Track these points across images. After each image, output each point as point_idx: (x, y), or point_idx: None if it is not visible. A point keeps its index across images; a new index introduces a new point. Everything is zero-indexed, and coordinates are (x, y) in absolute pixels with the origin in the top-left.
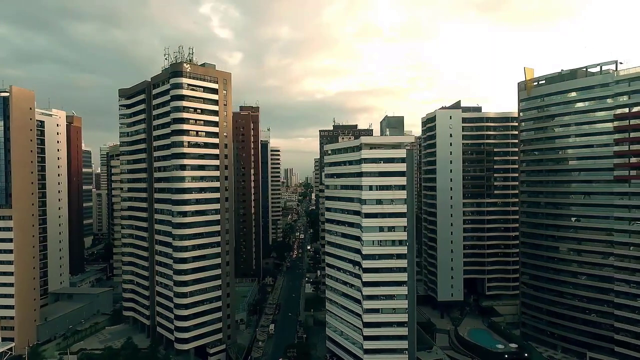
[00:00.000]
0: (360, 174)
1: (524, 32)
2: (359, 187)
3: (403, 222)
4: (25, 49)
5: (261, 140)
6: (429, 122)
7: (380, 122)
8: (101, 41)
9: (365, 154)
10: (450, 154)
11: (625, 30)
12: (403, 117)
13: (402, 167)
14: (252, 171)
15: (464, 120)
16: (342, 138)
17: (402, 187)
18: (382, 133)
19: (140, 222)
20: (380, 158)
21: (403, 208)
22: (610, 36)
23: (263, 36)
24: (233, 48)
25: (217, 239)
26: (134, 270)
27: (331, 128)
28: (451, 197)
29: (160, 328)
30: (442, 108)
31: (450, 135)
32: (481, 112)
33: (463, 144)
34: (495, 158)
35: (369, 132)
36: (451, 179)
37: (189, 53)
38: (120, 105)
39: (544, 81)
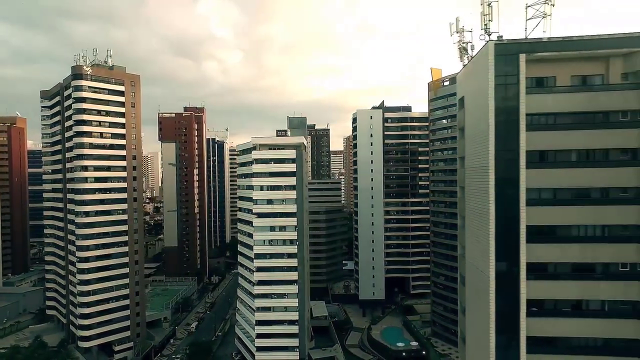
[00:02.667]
0: (252, 175)
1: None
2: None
3: (294, 221)
4: (25, 49)
5: (217, 141)
6: (354, 123)
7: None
8: (100, 41)
9: (256, 154)
10: (371, 153)
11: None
12: (305, 117)
13: (292, 167)
14: (196, 171)
15: (389, 120)
16: None
17: (292, 187)
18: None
19: (59, 222)
20: (271, 159)
21: (293, 208)
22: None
23: (262, 35)
24: (232, 47)
25: (125, 238)
26: (55, 270)
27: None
28: (372, 197)
29: (71, 326)
30: (374, 108)
31: (371, 135)
32: (411, 112)
33: (388, 143)
34: (419, 158)
35: (326, 132)
36: (372, 179)
37: (107, 55)
38: (42, 107)
39: (448, 82)
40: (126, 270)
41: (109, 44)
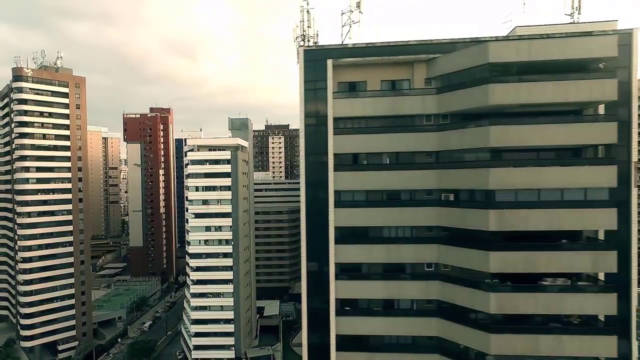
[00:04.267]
0: (188, 175)
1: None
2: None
3: (229, 222)
4: (22, 49)
5: None
6: None
7: None
8: (98, 41)
9: (191, 155)
10: None
11: None
12: (248, 119)
13: (227, 168)
14: (162, 172)
15: None
16: (272, 138)
17: (227, 188)
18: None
19: (9, 222)
20: (206, 160)
21: (229, 208)
22: None
23: (261, 35)
24: (231, 47)
25: (70, 238)
26: (7, 270)
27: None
28: None
29: (18, 325)
30: None
31: None
32: None
33: None
34: None
35: (297, 132)
36: None
37: (57, 57)
38: None
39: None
40: (71, 270)
41: (107, 43)
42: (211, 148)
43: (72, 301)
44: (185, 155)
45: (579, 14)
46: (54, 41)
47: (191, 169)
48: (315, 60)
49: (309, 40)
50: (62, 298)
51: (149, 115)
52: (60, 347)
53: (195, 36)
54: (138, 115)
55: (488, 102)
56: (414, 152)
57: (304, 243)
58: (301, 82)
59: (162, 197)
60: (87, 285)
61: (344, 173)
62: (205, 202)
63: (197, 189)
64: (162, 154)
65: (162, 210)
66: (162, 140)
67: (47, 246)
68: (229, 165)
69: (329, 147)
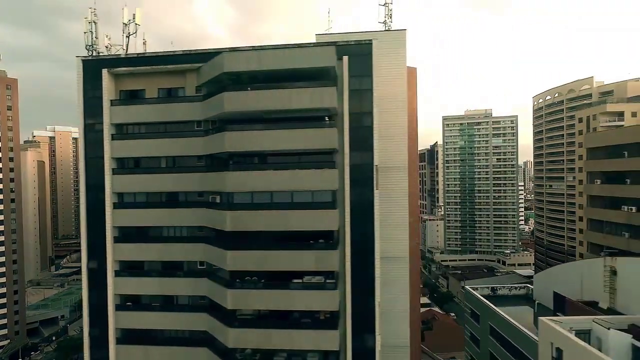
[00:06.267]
0: None
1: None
2: None
3: None
4: (18, 48)
5: None
6: None
7: None
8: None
9: None
10: None
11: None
12: None
13: None
14: None
15: None
16: None
17: None
18: None
19: None
20: None
21: None
22: None
23: (258, 34)
24: (228, 46)
25: (1, 238)
26: None
27: None
28: None
29: None
30: None
31: None
32: None
33: None
34: None
35: None
36: None
37: None
38: None
39: None
40: (2, 269)
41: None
42: None
43: (4, 300)
44: None
45: (391, 21)
46: (53, 40)
47: None
48: (93, 70)
49: (95, 50)
50: None
51: None
52: None
53: (194, 36)
54: None
55: (224, 109)
56: (188, 156)
57: (84, 242)
58: (79, 91)
59: None
60: (19, 284)
61: (123, 176)
62: None
63: None
64: None
65: None
66: None
67: None
68: None
69: (105, 152)
